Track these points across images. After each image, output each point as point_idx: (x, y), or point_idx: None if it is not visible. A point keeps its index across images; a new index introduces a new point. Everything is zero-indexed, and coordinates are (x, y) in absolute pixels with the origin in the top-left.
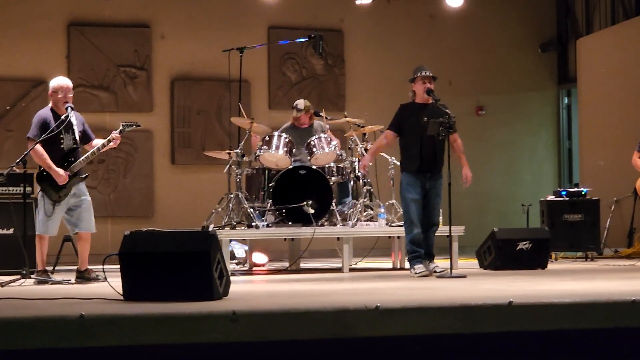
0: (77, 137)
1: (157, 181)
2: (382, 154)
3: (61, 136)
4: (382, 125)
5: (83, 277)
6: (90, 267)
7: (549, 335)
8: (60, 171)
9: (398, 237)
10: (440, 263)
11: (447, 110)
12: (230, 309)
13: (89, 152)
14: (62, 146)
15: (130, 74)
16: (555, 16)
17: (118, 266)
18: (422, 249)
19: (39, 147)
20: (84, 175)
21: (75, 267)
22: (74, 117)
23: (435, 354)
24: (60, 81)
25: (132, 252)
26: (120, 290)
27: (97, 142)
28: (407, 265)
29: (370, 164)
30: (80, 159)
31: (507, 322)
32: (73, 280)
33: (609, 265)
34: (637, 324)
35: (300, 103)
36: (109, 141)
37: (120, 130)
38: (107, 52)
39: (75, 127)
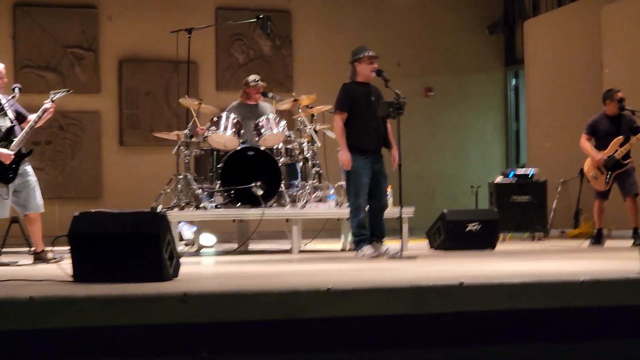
0: (12, 116)
1: (105, 163)
2: (330, 133)
3: None
4: (330, 106)
5: (40, 258)
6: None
7: (499, 315)
8: (3, 150)
9: (347, 218)
10: (391, 245)
11: (396, 91)
12: (181, 290)
13: (27, 127)
14: None
15: (78, 55)
16: None
17: (67, 247)
18: (367, 231)
19: None
20: (27, 152)
21: (23, 249)
22: (3, 99)
23: (386, 335)
24: None
25: (81, 233)
26: (70, 271)
27: (32, 116)
28: None
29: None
30: (19, 135)
31: (458, 303)
32: (21, 262)
33: (556, 246)
34: (586, 304)
35: (250, 76)
36: (43, 112)
37: (51, 99)
38: (54, 33)
39: (6, 106)
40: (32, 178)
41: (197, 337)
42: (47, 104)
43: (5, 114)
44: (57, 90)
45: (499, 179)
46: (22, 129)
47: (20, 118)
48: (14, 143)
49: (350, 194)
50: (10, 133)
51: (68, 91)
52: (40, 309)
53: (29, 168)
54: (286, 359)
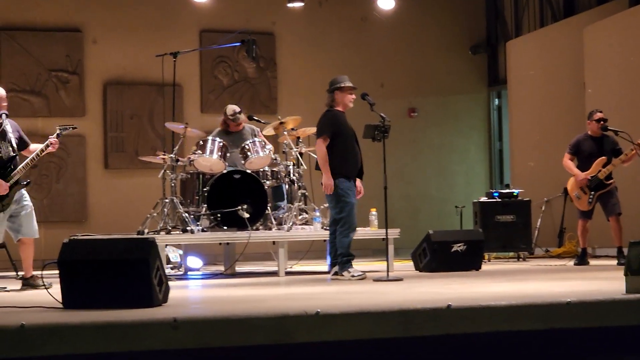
0: (15, 145)
1: (90, 186)
2: (315, 156)
3: None
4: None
5: (29, 284)
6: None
7: (486, 337)
8: (1, 182)
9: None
10: (377, 266)
11: (381, 114)
12: (171, 316)
13: (28, 159)
14: (0, 155)
15: (62, 78)
16: (485, 19)
17: (55, 272)
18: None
19: None
20: (25, 182)
21: (10, 274)
22: (8, 125)
23: (375, 358)
24: None
25: (71, 260)
26: (59, 298)
27: (35, 147)
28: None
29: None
30: (20, 166)
31: (446, 325)
32: (9, 288)
33: (541, 266)
34: (572, 325)
35: (229, 108)
36: (47, 146)
37: (58, 134)
38: (38, 57)
39: (10, 135)
40: (28, 204)
41: None
42: (52, 139)
43: (9, 141)
44: (64, 125)
45: (484, 199)
46: (22, 157)
47: (21, 145)
48: (13, 172)
49: (343, 214)
50: (9, 162)
51: (74, 128)
52: (31, 337)
53: (24, 193)
54: None
